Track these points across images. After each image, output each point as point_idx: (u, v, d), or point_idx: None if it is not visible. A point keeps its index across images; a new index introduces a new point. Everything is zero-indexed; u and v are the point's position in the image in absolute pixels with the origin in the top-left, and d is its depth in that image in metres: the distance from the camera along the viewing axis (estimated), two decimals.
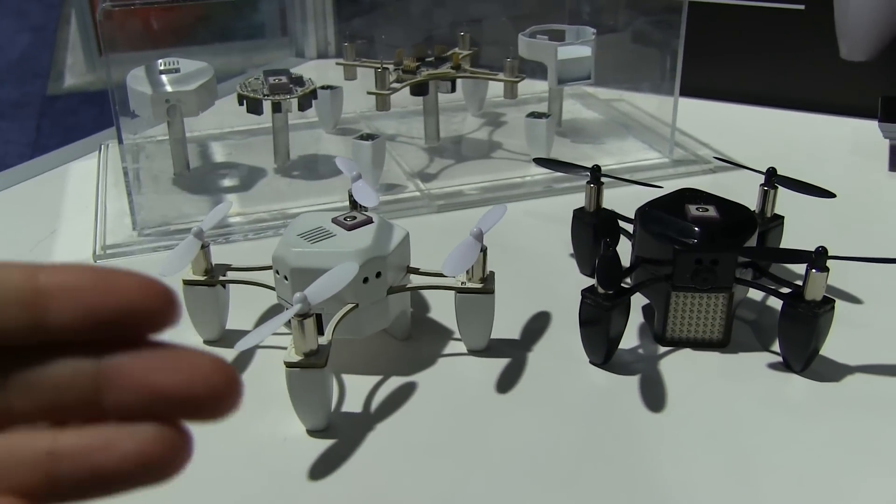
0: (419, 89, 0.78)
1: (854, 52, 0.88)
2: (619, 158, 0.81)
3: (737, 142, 0.86)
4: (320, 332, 0.47)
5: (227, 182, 0.78)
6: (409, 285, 0.51)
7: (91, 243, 0.67)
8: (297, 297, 0.43)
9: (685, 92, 0.80)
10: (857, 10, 0.87)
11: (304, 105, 0.76)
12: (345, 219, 0.51)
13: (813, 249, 0.46)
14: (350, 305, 0.48)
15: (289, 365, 0.44)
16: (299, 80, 0.78)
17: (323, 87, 0.86)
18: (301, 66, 1.13)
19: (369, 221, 0.51)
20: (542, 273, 0.62)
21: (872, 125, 0.83)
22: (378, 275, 0.49)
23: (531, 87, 0.91)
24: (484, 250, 0.50)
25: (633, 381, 0.49)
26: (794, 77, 0.96)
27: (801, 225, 0.62)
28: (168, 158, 0.77)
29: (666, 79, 0.81)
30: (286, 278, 0.49)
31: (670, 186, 0.74)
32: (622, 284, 0.49)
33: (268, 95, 0.75)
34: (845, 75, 0.92)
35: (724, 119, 0.95)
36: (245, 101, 0.76)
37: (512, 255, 0.64)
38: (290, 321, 0.43)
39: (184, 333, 0.54)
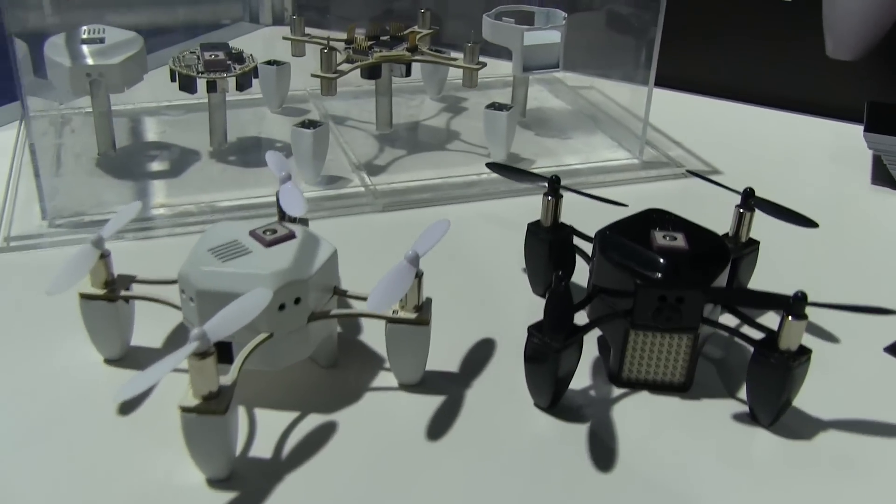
0: (371, 72, 0.71)
1: (840, 50, 0.82)
2: (585, 157, 0.75)
3: (712, 140, 0.81)
4: (228, 361, 0.41)
5: (155, 165, 0.71)
6: (333, 311, 0.45)
7: None
8: (193, 333, 0.36)
9: (659, 81, 0.74)
10: (845, 4, 0.81)
11: (242, 84, 0.70)
12: (264, 232, 0.45)
13: (791, 294, 0.41)
14: (264, 335, 0.42)
15: (184, 410, 0.37)
16: (239, 57, 0.71)
17: (268, 63, 0.79)
18: (254, 32, 1.06)
19: (291, 236, 0.44)
20: (491, 290, 0.56)
21: (855, 129, 0.78)
22: (297, 301, 0.43)
23: (496, 70, 0.85)
24: (419, 275, 0.44)
25: (581, 429, 0.44)
26: (776, 72, 0.90)
27: (775, 241, 0.56)
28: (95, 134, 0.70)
29: (640, 67, 0.75)
30: (192, 300, 0.43)
31: (638, 191, 0.69)
32: (577, 316, 0.43)
33: (202, 73, 0.68)
34: (830, 74, 0.87)
35: (699, 114, 0.89)
36: (178, 78, 0.69)
37: (459, 265, 0.58)
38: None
39: (82, 350, 0.48)
